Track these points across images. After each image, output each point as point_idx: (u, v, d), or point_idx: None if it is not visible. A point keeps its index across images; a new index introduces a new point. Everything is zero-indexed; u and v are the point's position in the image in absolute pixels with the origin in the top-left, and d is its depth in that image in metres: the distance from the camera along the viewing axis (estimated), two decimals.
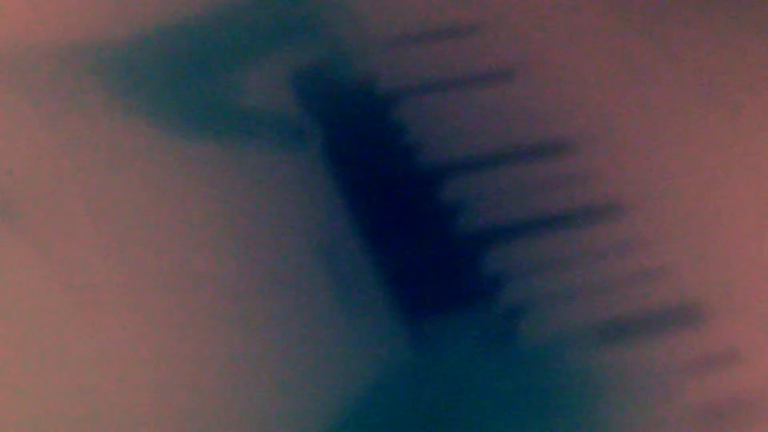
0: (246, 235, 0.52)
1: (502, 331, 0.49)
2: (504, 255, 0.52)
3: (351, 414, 0.46)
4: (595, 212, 0.54)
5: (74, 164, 0.55)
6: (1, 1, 0.63)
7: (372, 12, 0.64)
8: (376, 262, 0.51)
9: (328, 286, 0.50)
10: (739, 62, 0.61)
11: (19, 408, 0.46)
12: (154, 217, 0.53)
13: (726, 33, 0.63)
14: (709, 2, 0.65)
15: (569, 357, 0.48)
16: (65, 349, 0.48)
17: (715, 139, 0.57)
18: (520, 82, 0.60)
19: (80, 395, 0.46)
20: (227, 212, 0.53)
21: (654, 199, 0.54)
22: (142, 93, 0.59)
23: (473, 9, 0.64)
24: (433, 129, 0.57)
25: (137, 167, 0.55)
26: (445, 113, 0.58)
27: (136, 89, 0.59)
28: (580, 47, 0.62)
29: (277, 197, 0.54)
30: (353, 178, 0.55)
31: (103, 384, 0.47)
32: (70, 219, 0.53)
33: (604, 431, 0.45)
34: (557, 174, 0.55)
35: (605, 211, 0.54)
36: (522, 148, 0.57)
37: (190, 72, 0.60)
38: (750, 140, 0.57)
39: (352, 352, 0.48)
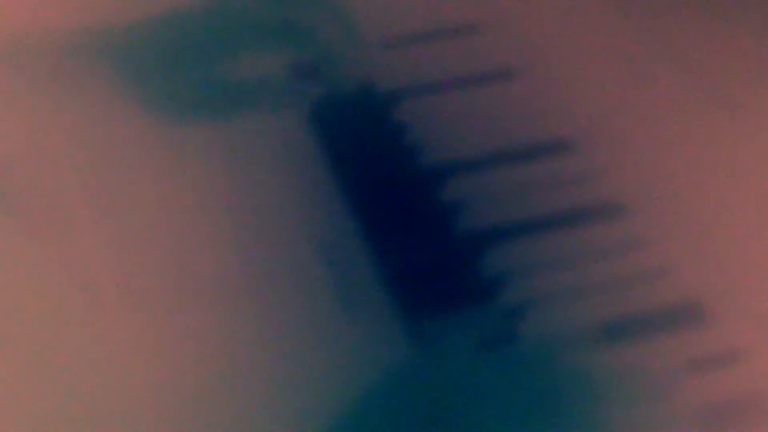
0: (246, 234, 0.52)
1: (502, 330, 0.49)
2: (504, 255, 0.52)
3: (351, 414, 0.46)
4: (595, 212, 0.54)
5: (72, 156, 0.55)
6: None
7: (372, 11, 0.64)
8: (376, 262, 0.51)
9: (328, 285, 0.50)
10: (739, 62, 0.61)
11: (18, 408, 0.46)
12: (153, 217, 0.53)
13: (726, 33, 0.63)
14: (709, 2, 0.65)
15: (570, 357, 0.48)
16: (65, 348, 0.48)
17: (715, 138, 0.57)
18: (520, 81, 0.60)
19: (80, 395, 0.46)
20: (227, 212, 0.53)
21: (654, 198, 0.54)
22: (141, 82, 0.59)
23: (473, 9, 0.64)
24: (434, 129, 0.57)
25: (136, 161, 0.55)
26: (446, 113, 0.58)
27: (136, 78, 0.59)
28: (580, 47, 0.62)
29: (276, 197, 0.54)
30: (353, 178, 0.55)
31: (102, 384, 0.47)
32: (68, 212, 0.53)
33: (605, 431, 0.45)
34: (557, 174, 0.55)
35: (605, 210, 0.54)
36: (522, 148, 0.57)
37: (190, 63, 0.60)
38: (750, 140, 0.57)
39: (352, 352, 0.48)
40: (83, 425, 0.45)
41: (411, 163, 0.56)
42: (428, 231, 0.53)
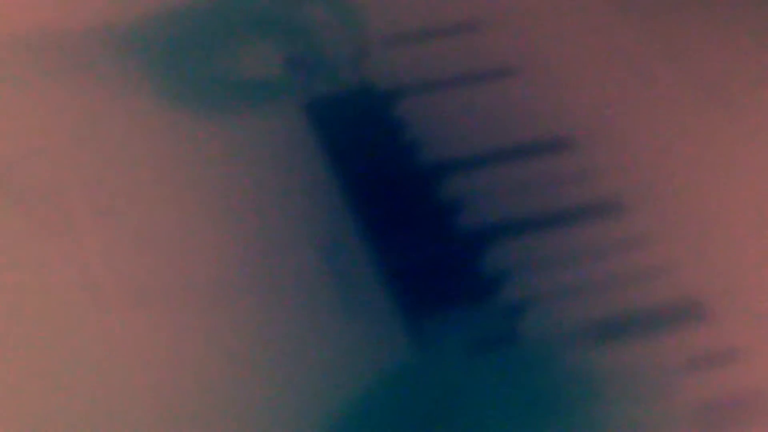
0: (246, 233, 0.52)
1: (502, 329, 0.49)
2: (503, 254, 0.52)
3: (350, 413, 0.46)
4: (595, 211, 0.54)
5: (72, 156, 0.55)
6: None
7: (372, 11, 0.64)
8: (375, 261, 0.51)
9: (328, 284, 0.50)
10: (739, 62, 0.61)
11: (18, 407, 0.46)
12: (153, 217, 0.53)
13: (726, 33, 0.63)
14: (709, 2, 0.65)
15: (569, 356, 0.48)
16: (65, 348, 0.48)
17: (715, 137, 0.57)
18: (520, 80, 0.60)
19: (80, 394, 0.46)
20: (226, 211, 0.53)
21: (654, 197, 0.54)
22: (141, 82, 0.59)
23: (473, 7, 0.64)
24: (433, 127, 0.57)
25: (136, 160, 0.55)
26: (445, 111, 0.58)
27: (136, 78, 0.59)
28: (580, 46, 0.62)
29: (276, 196, 0.54)
30: (353, 176, 0.55)
31: (102, 383, 0.47)
32: (68, 212, 0.53)
33: (605, 430, 0.45)
34: (558, 172, 0.55)
35: (605, 209, 0.54)
36: (522, 146, 0.57)
37: (190, 63, 0.60)
38: (750, 139, 0.57)
39: (350, 351, 0.48)
40: (83, 425, 0.45)
41: (411, 162, 0.56)
42: (428, 230, 0.53)
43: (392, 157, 0.56)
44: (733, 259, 0.52)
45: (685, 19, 0.64)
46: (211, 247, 0.52)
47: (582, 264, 0.51)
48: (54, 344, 0.48)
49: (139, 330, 0.48)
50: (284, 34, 0.62)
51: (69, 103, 0.58)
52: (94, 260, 0.51)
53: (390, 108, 0.58)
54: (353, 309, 0.49)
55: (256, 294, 0.50)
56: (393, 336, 0.48)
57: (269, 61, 0.61)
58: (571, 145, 0.57)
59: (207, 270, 0.51)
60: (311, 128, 0.57)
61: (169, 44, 0.61)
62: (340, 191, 0.54)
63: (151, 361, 0.47)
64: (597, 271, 0.51)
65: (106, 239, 0.52)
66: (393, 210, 0.53)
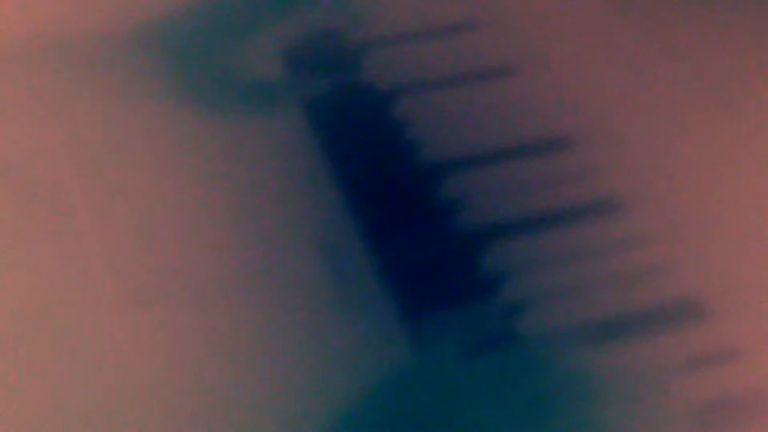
0: (245, 233, 0.52)
1: (500, 329, 0.49)
2: (503, 253, 0.52)
3: (349, 413, 0.46)
4: (594, 210, 0.54)
5: (72, 156, 0.55)
6: None
7: (372, 10, 0.64)
8: (375, 261, 0.51)
9: (327, 284, 0.50)
10: (739, 61, 0.61)
11: (18, 407, 0.46)
12: (153, 217, 0.53)
13: (726, 32, 0.63)
14: (709, 1, 0.65)
15: (568, 355, 0.48)
16: (65, 348, 0.48)
17: (715, 136, 0.57)
18: (519, 79, 0.60)
19: (80, 394, 0.46)
20: (225, 211, 0.53)
21: (653, 197, 0.54)
22: (140, 82, 0.59)
23: (473, 7, 0.64)
24: (432, 126, 0.57)
25: (136, 160, 0.55)
26: (445, 110, 0.58)
27: (135, 78, 0.59)
28: (579, 45, 0.62)
29: (275, 195, 0.54)
30: (352, 176, 0.55)
31: (102, 383, 0.47)
32: (68, 212, 0.53)
33: (604, 430, 0.45)
34: (557, 171, 0.55)
35: (605, 209, 0.54)
36: (522, 145, 0.57)
37: (188, 62, 0.60)
38: (750, 139, 0.57)
39: (350, 351, 0.48)
40: (83, 425, 0.45)
41: (410, 162, 0.56)
42: (427, 229, 0.53)
43: (392, 157, 0.56)
44: (733, 259, 0.52)
45: (685, 18, 0.64)
46: (211, 247, 0.52)
47: (581, 264, 0.51)
48: (54, 344, 0.48)
49: (139, 330, 0.48)
50: (284, 34, 0.63)
51: (69, 103, 0.58)
52: (94, 260, 0.51)
53: (390, 108, 0.58)
54: (352, 309, 0.49)
55: (256, 294, 0.50)
56: (392, 336, 0.48)
57: (269, 61, 0.61)
58: (570, 144, 0.57)
59: (207, 270, 0.51)
60: (311, 128, 0.57)
61: (168, 45, 0.62)
62: (339, 191, 0.54)
63: (151, 361, 0.47)
64: (596, 271, 0.51)
65: (106, 239, 0.52)
66: (392, 210, 0.53)
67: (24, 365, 0.47)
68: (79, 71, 0.60)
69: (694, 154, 0.56)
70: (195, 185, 0.54)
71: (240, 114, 0.58)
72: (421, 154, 0.56)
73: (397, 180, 0.55)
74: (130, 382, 0.47)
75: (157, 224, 0.53)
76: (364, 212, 0.53)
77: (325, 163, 0.56)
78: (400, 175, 0.55)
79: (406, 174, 0.55)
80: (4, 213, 0.53)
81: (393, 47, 0.62)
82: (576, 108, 0.59)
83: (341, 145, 0.56)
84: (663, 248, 0.52)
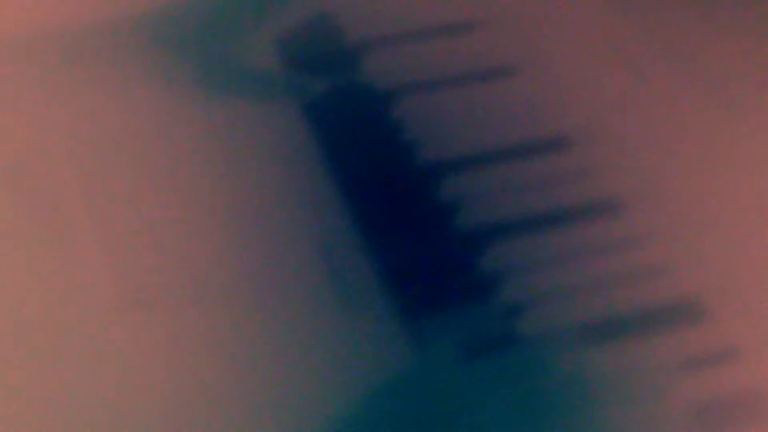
0: (245, 234, 0.52)
1: (501, 329, 0.49)
2: (502, 253, 0.52)
3: (349, 413, 0.46)
4: (593, 210, 0.54)
5: (72, 156, 0.55)
6: None
7: (372, 10, 0.64)
8: (374, 261, 0.51)
9: (326, 285, 0.50)
10: (738, 61, 0.61)
11: (18, 407, 0.46)
12: (152, 217, 0.53)
13: (727, 32, 0.63)
14: (709, 1, 0.65)
15: (568, 355, 0.48)
16: (65, 348, 0.48)
17: (714, 136, 0.57)
18: (519, 80, 0.60)
19: (79, 394, 0.46)
20: (225, 212, 0.53)
21: (652, 197, 0.54)
22: (139, 82, 0.59)
23: (472, 7, 0.64)
24: (432, 126, 0.57)
25: (136, 161, 0.55)
26: (444, 111, 0.58)
27: (134, 77, 0.59)
28: (579, 45, 0.62)
29: (275, 197, 0.54)
30: (353, 177, 0.55)
31: (102, 383, 0.47)
32: (68, 212, 0.53)
33: (603, 430, 0.45)
34: (557, 172, 0.55)
35: (604, 208, 0.54)
36: (522, 146, 0.57)
37: (186, 62, 0.60)
38: (749, 138, 0.57)
39: (349, 351, 0.48)
40: (83, 425, 0.45)
41: (409, 161, 0.56)
42: (427, 229, 0.53)
43: (392, 157, 0.56)
44: (732, 259, 0.52)
45: (685, 19, 0.64)
46: (210, 247, 0.52)
47: (581, 264, 0.51)
48: (53, 344, 0.48)
49: (138, 330, 0.48)
50: (284, 34, 0.63)
51: (69, 103, 0.58)
52: (94, 260, 0.51)
53: (390, 108, 0.58)
54: (352, 309, 0.49)
55: (256, 294, 0.50)
56: (392, 336, 0.48)
57: (269, 62, 0.61)
58: (570, 144, 0.57)
59: (207, 270, 0.51)
60: (311, 128, 0.57)
61: (168, 45, 0.62)
62: (339, 191, 0.54)
63: (150, 360, 0.47)
64: (596, 271, 0.51)
65: (106, 239, 0.52)
66: (392, 210, 0.53)
67: (24, 364, 0.47)
68: (79, 70, 0.60)
69: (694, 154, 0.56)
70: (195, 186, 0.55)
71: (240, 115, 0.58)
72: (421, 154, 0.56)
73: (397, 180, 0.55)
74: (130, 382, 0.47)
75: (157, 224, 0.53)
76: (365, 213, 0.53)
77: (325, 163, 0.56)
78: (400, 175, 0.55)
79: (406, 174, 0.55)
80: (4, 213, 0.53)
81: (393, 47, 0.62)
82: (576, 108, 0.59)
83: (341, 145, 0.56)
84: (663, 248, 0.52)
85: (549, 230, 0.53)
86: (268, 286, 0.50)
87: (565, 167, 0.56)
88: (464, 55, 0.61)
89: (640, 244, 0.52)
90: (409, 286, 0.50)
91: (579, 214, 0.54)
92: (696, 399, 0.46)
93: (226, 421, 0.45)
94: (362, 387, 0.47)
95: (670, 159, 0.56)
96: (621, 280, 0.51)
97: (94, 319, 0.49)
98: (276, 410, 0.46)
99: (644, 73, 0.60)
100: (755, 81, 0.60)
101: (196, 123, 0.57)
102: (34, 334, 0.48)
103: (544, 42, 0.62)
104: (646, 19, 0.64)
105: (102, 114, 0.58)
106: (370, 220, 0.53)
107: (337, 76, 0.60)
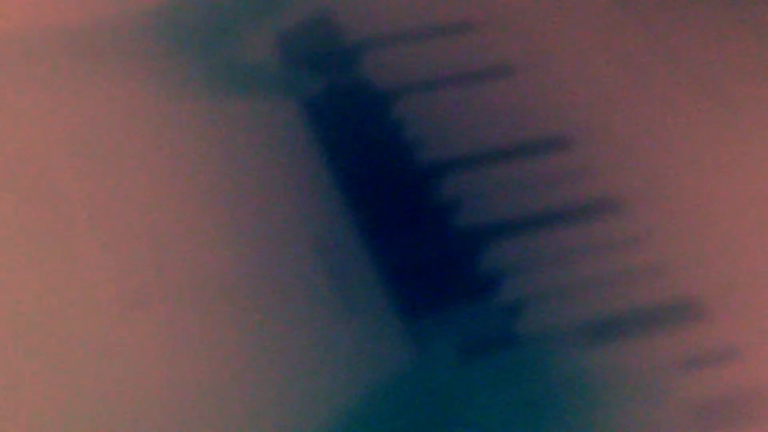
0: (244, 234, 0.52)
1: (500, 329, 0.49)
2: (503, 253, 0.52)
3: (348, 413, 0.46)
4: (593, 209, 0.54)
5: (72, 156, 0.55)
6: None
7: (372, 9, 0.64)
8: (374, 261, 0.51)
9: (326, 284, 0.50)
10: (738, 60, 0.61)
11: (18, 407, 0.46)
12: (152, 217, 0.53)
13: (726, 32, 0.63)
14: (709, 1, 0.65)
15: (568, 355, 0.48)
16: (65, 348, 0.48)
17: (714, 136, 0.57)
18: (518, 79, 0.60)
19: (79, 394, 0.46)
20: (225, 211, 0.53)
21: (652, 196, 0.54)
22: (138, 82, 0.59)
23: (472, 6, 0.64)
24: (431, 126, 0.57)
25: (136, 160, 0.55)
26: (444, 110, 0.58)
27: (133, 77, 0.59)
28: (579, 44, 0.62)
29: (274, 196, 0.54)
30: (352, 177, 0.55)
31: (102, 383, 0.47)
32: (68, 212, 0.53)
33: (603, 430, 0.45)
34: (557, 172, 0.55)
35: (604, 208, 0.54)
36: (522, 145, 0.57)
37: (185, 62, 0.60)
38: (749, 138, 0.57)
39: (349, 351, 0.48)
40: (83, 425, 0.45)
41: (409, 161, 0.56)
42: (426, 229, 0.53)
43: (392, 157, 0.56)
44: (732, 259, 0.52)
45: (685, 19, 0.64)
46: (210, 247, 0.52)
47: (581, 264, 0.51)
48: (53, 344, 0.48)
49: (138, 330, 0.49)
50: (284, 33, 0.63)
51: (68, 102, 0.58)
52: (94, 260, 0.51)
53: (389, 107, 0.58)
54: (352, 309, 0.49)
55: (255, 294, 0.50)
56: (391, 335, 0.49)
57: (269, 61, 0.61)
58: (570, 144, 0.57)
59: (206, 270, 0.51)
60: (311, 128, 0.57)
61: (168, 44, 0.62)
62: (339, 191, 0.54)
63: (150, 361, 0.47)
64: (596, 271, 0.51)
65: (106, 239, 0.52)
66: (392, 210, 0.53)
67: (24, 365, 0.47)
68: (78, 68, 0.60)
69: (694, 154, 0.56)
70: (195, 186, 0.55)
71: (240, 115, 0.58)
72: (421, 153, 0.56)
73: (397, 180, 0.55)
74: (130, 382, 0.47)
75: (157, 224, 0.53)
76: (364, 212, 0.53)
77: (325, 162, 0.56)
78: (400, 175, 0.55)
79: (406, 174, 0.55)
80: (4, 213, 0.53)
81: (393, 47, 0.62)
82: (576, 108, 0.59)
83: (341, 144, 0.56)
84: (663, 248, 0.52)
85: (549, 230, 0.53)
86: (268, 285, 0.50)
87: (565, 167, 0.56)
88: (464, 55, 0.61)
89: (640, 244, 0.52)
90: (408, 286, 0.50)
91: (579, 214, 0.54)
92: (696, 399, 0.46)
93: (227, 420, 0.45)
94: (362, 387, 0.47)
95: (670, 159, 0.56)
96: (621, 280, 0.51)
97: (94, 319, 0.49)
98: (276, 410, 0.46)
99: (644, 73, 0.60)
100: (755, 81, 0.60)
101: (196, 123, 0.58)
102: (34, 334, 0.48)
103: (544, 42, 0.62)
104: (646, 19, 0.64)
105: (102, 113, 0.58)
106: (370, 219, 0.53)
107: (337, 76, 0.60)
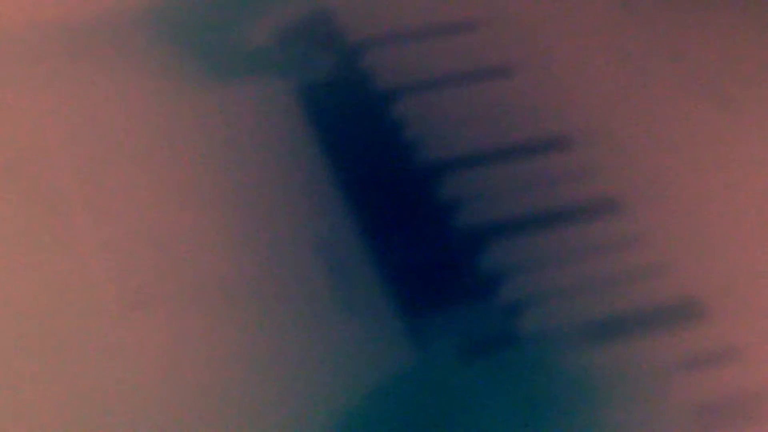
0: (244, 233, 0.52)
1: (500, 329, 0.49)
2: (503, 253, 0.52)
3: (348, 413, 0.46)
4: (593, 209, 0.54)
5: (72, 156, 0.55)
6: None
7: (372, 8, 0.64)
8: (374, 260, 0.51)
9: (325, 284, 0.50)
10: (740, 60, 0.61)
11: (18, 408, 0.46)
12: (151, 217, 0.53)
13: (727, 32, 0.63)
14: (710, 1, 0.65)
15: (568, 355, 0.48)
16: (65, 349, 0.48)
17: (715, 136, 0.57)
18: (518, 79, 0.60)
19: (79, 395, 0.46)
20: (225, 211, 0.53)
21: (652, 196, 0.54)
22: (138, 82, 0.59)
23: (471, 6, 0.64)
24: (431, 126, 0.57)
25: (136, 161, 0.55)
26: (444, 109, 0.58)
27: (133, 77, 0.59)
28: (579, 44, 0.62)
29: (274, 196, 0.54)
30: (352, 176, 0.55)
31: (101, 384, 0.47)
32: (67, 212, 0.53)
33: (603, 430, 0.45)
34: (557, 172, 0.55)
35: (603, 208, 0.54)
36: (522, 145, 0.57)
37: (184, 60, 0.60)
38: (749, 138, 0.57)
39: (349, 351, 0.48)
40: (83, 425, 0.45)
41: (409, 161, 0.56)
42: (426, 229, 0.53)
43: (391, 157, 0.56)
44: (733, 259, 0.52)
45: (685, 19, 0.64)
46: (210, 247, 0.52)
47: (581, 264, 0.51)
48: (53, 345, 0.48)
49: (138, 330, 0.49)
50: (283, 32, 0.62)
51: (68, 102, 0.58)
52: (94, 260, 0.51)
53: (389, 107, 0.58)
54: (352, 309, 0.49)
55: (256, 294, 0.50)
56: (391, 335, 0.49)
57: (268, 60, 0.61)
58: (570, 144, 0.57)
59: (206, 270, 0.51)
60: (310, 127, 0.57)
61: (168, 42, 0.61)
62: (339, 191, 0.54)
63: (151, 361, 0.47)
64: (596, 271, 0.51)
65: (106, 239, 0.52)
66: (392, 210, 0.53)
67: (24, 365, 0.47)
68: (77, 66, 0.60)
69: (694, 154, 0.56)
70: (196, 186, 0.55)
71: (240, 114, 0.58)
72: (421, 154, 0.56)
73: (397, 180, 0.55)
74: (129, 383, 0.47)
75: (157, 224, 0.53)
76: (364, 212, 0.53)
77: (324, 162, 0.56)
78: (400, 175, 0.55)
79: (406, 174, 0.55)
80: (4, 213, 0.53)
81: (392, 46, 0.62)
82: (576, 108, 0.59)
83: (341, 144, 0.56)
84: (663, 248, 0.52)
85: (549, 230, 0.53)
86: (268, 285, 0.50)
87: (565, 167, 0.56)
88: (464, 54, 0.61)
89: (640, 244, 0.52)
90: (409, 286, 0.50)
91: (579, 214, 0.54)
92: (696, 399, 0.46)
93: (227, 420, 0.45)
94: (362, 387, 0.47)
95: (670, 159, 0.56)
96: (621, 280, 0.51)
97: (94, 319, 0.49)
98: (276, 410, 0.46)
99: (644, 73, 0.60)
100: (756, 81, 0.60)
101: (196, 123, 0.57)
102: (33, 334, 0.48)
103: (544, 42, 0.62)
104: (646, 19, 0.64)
105: (101, 113, 0.58)
106: (370, 219, 0.53)
107: (336, 75, 0.60)
